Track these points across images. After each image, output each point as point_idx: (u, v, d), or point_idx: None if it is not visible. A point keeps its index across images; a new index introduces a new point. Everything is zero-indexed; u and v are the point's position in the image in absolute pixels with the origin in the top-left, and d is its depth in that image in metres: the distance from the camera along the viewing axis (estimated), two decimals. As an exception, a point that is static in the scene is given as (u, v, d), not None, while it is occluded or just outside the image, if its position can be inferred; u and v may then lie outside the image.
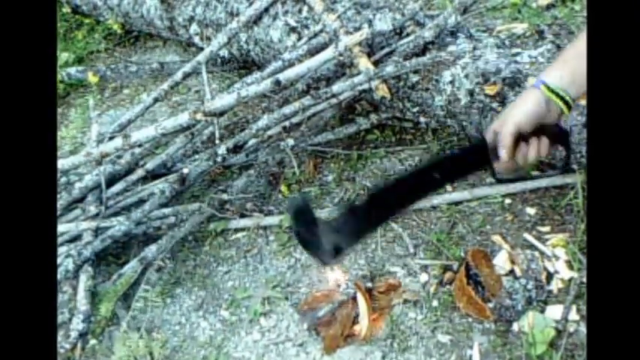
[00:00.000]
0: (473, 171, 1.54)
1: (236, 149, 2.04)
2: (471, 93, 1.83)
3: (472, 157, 1.30)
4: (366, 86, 1.98)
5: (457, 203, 1.89)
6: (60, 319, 1.71)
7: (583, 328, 1.52)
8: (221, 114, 2.00)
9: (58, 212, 1.95)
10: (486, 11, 2.53)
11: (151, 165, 2.08)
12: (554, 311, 1.55)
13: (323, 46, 2.06)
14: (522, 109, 1.21)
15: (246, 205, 2.03)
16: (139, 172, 2.07)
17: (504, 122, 1.22)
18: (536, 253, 1.67)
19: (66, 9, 3.14)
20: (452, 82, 1.88)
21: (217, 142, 2.04)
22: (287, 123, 2.09)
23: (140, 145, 2.06)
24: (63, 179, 2.07)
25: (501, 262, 1.67)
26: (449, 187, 1.94)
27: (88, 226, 1.90)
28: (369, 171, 2.06)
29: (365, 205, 1.28)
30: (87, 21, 3.12)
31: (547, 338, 1.49)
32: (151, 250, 1.87)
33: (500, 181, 1.76)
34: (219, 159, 2.02)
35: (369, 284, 1.71)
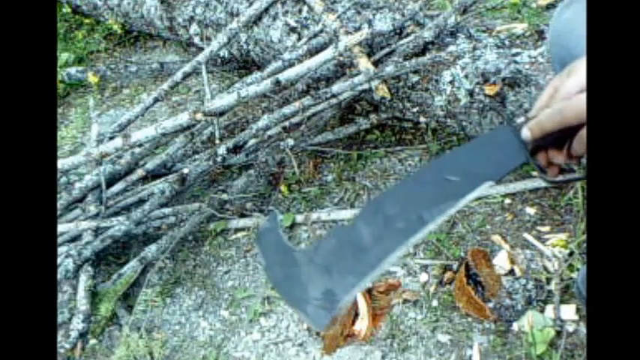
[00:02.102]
0: (506, 171, 0.91)
1: (236, 149, 2.04)
2: (471, 93, 1.83)
3: (502, 148, 0.88)
4: (366, 86, 1.98)
5: (457, 203, 1.89)
6: (60, 318, 1.71)
7: (583, 328, 1.52)
8: (221, 114, 2.00)
9: (58, 212, 1.95)
10: (486, 11, 2.53)
11: (150, 165, 2.08)
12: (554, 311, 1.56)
13: (323, 47, 2.06)
14: None
15: (246, 205, 2.03)
16: (139, 172, 2.07)
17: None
18: (536, 253, 1.68)
19: (66, 9, 3.15)
20: (452, 82, 1.88)
21: (217, 142, 2.04)
22: (287, 123, 2.09)
23: (140, 145, 2.06)
24: (63, 179, 2.07)
25: (501, 261, 1.67)
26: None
27: (88, 226, 1.90)
28: (369, 171, 2.06)
29: (359, 225, 0.86)
30: (87, 21, 3.12)
31: (547, 338, 1.49)
32: (151, 250, 1.87)
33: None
34: (219, 159, 2.02)
35: (369, 284, 1.71)
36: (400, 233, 0.84)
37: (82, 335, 1.70)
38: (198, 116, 1.93)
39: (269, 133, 2.09)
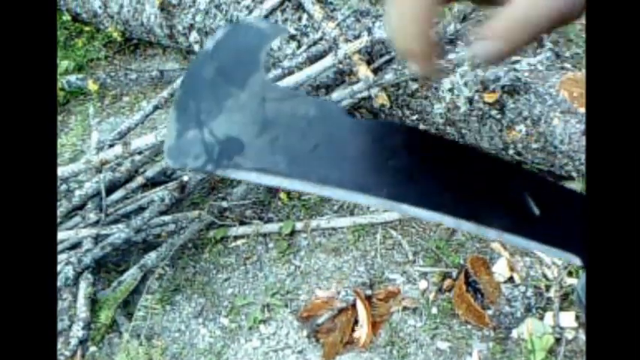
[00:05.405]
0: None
1: (236, 156, 2.03)
2: (470, 101, 1.83)
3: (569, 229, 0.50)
4: (365, 94, 1.98)
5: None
6: (60, 326, 1.71)
7: (582, 335, 1.52)
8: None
9: (58, 220, 1.95)
10: (485, 19, 2.54)
11: (150, 172, 2.09)
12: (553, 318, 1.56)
13: (322, 54, 2.06)
14: None
15: (246, 213, 2.03)
16: (139, 180, 2.07)
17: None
18: (535, 261, 1.68)
19: (66, 17, 3.15)
20: (451, 90, 1.88)
21: (217, 149, 2.04)
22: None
23: (140, 153, 2.06)
24: (63, 187, 2.07)
25: (500, 269, 1.67)
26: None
27: (88, 234, 1.90)
28: (368, 178, 2.07)
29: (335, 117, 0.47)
30: (87, 29, 3.12)
31: (546, 345, 1.49)
32: (151, 257, 1.87)
33: None
34: (218, 166, 2.02)
35: (369, 291, 1.71)
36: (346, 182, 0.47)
37: (82, 342, 1.69)
38: (198, 124, 1.93)
39: (269, 140, 2.08)
